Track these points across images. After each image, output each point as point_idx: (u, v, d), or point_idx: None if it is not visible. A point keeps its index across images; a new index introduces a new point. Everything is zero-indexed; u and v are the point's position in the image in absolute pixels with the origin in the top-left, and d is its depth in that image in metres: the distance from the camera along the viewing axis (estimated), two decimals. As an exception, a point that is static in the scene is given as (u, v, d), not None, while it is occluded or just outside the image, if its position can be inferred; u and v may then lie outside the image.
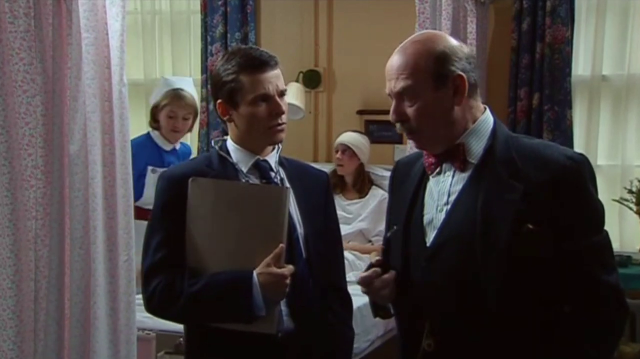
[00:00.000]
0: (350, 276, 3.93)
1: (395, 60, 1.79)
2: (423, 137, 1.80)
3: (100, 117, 2.64)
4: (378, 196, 4.34)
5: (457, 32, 3.82)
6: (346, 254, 4.08)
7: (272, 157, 2.12)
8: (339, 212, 4.37)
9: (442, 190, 1.81)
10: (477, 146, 1.78)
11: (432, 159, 1.84)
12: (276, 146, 2.13)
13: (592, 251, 1.71)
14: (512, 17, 4.29)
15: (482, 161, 1.77)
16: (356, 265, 4.01)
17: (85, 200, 2.57)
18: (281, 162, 2.15)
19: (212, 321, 1.98)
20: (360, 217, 4.32)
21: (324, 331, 2.09)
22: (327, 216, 2.18)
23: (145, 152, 3.80)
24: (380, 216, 4.22)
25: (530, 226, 1.67)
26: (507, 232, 1.67)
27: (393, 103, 1.78)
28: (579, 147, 4.21)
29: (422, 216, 1.84)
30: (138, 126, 5.10)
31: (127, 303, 2.71)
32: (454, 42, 1.81)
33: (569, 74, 4.18)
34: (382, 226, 4.12)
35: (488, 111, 1.84)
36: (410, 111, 1.76)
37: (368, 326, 3.48)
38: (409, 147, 4.09)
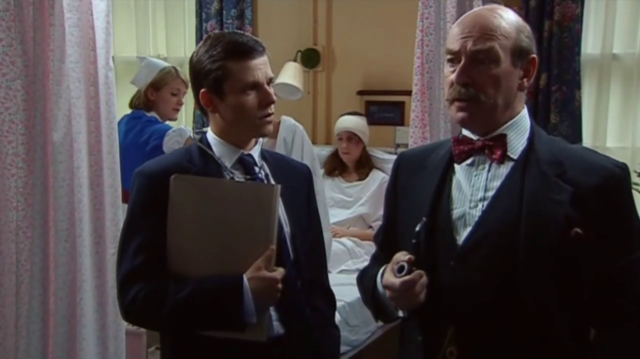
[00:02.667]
0: (350, 264, 3.86)
1: (477, 18, 1.64)
2: (480, 109, 1.65)
3: (86, 102, 2.53)
4: (379, 179, 4.24)
5: (464, 9, 3.65)
6: (345, 240, 4.00)
7: (255, 151, 2.00)
8: (338, 196, 4.36)
9: (477, 185, 1.68)
10: (517, 141, 1.67)
11: (464, 147, 1.70)
12: (259, 140, 2.01)
13: (634, 268, 1.62)
14: (520, -7, 4.15)
15: (523, 157, 1.65)
16: (355, 253, 3.91)
17: (70, 190, 2.47)
18: (264, 156, 2.04)
19: (200, 329, 1.86)
20: (361, 201, 4.22)
21: (312, 334, 2.00)
22: (310, 211, 2.09)
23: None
24: (381, 200, 4.10)
25: (579, 231, 1.56)
26: (556, 233, 1.56)
27: (462, 62, 1.62)
28: (587, 129, 4.11)
29: (449, 210, 1.69)
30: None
31: (115, 297, 2.58)
32: (520, 18, 1.69)
33: (578, 52, 4.06)
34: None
35: (526, 109, 1.73)
36: (482, 76, 1.62)
37: (367, 318, 3.34)
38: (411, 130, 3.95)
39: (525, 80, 1.66)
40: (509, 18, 1.64)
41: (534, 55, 1.66)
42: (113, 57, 4.87)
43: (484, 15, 1.64)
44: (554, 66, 4.06)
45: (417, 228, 1.68)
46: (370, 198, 4.20)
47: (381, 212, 4.05)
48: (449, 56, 1.66)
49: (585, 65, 4.13)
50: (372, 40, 4.58)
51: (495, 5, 1.69)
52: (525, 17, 4.09)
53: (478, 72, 1.61)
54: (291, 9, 4.80)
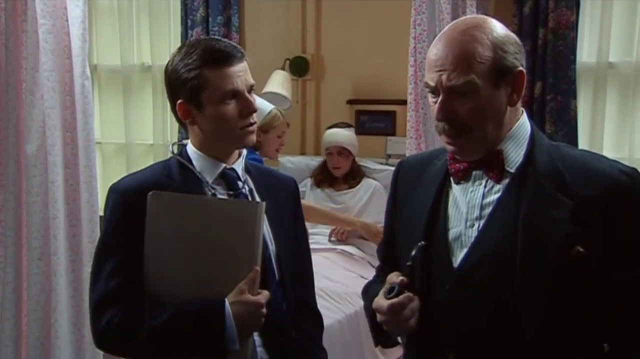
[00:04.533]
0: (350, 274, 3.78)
1: (448, 48, 1.52)
2: (470, 141, 1.55)
3: (61, 113, 2.45)
4: (371, 187, 4.14)
5: (457, 16, 3.61)
6: (346, 248, 3.93)
7: (238, 165, 1.90)
8: (328, 204, 4.25)
9: (473, 202, 1.58)
10: (515, 153, 1.56)
11: (460, 165, 1.60)
12: (243, 152, 1.92)
13: None
14: (514, 1, 4.05)
15: (521, 171, 1.55)
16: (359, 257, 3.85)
17: (44, 206, 2.39)
18: (247, 169, 1.93)
19: (178, 357, 1.75)
20: (355, 212, 4.11)
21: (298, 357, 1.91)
22: (297, 227, 1.99)
23: None
24: (376, 208, 4.02)
25: (581, 249, 1.45)
26: (555, 253, 1.47)
27: (441, 98, 1.53)
28: (583, 139, 4.00)
29: (446, 230, 1.60)
30: (116, 117, 4.88)
31: (93, 319, 2.48)
32: (506, 29, 1.57)
33: (574, 61, 3.95)
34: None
35: (525, 114, 1.62)
36: (463, 109, 1.51)
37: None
38: (407, 141, 3.85)
39: (515, 95, 1.55)
40: (485, 37, 1.52)
41: (521, 69, 1.54)
42: (96, 66, 4.85)
43: (457, 42, 1.52)
44: (549, 75, 3.95)
45: (414, 252, 1.60)
46: (365, 208, 4.10)
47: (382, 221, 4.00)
48: (427, 89, 1.57)
49: (580, 74, 4.03)
50: (362, 48, 4.49)
51: (472, 22, 1.57)
52: (519, 24, 4.02)
53: (459, 105, 1.52)
54: (279, 16, 4.70)
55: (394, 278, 1.59)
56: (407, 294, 1.56)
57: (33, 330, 2.36)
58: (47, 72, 2.38)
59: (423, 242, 1.60)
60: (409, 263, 1.59)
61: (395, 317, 1.56)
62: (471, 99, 1.51)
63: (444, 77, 1.51)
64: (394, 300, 1.55)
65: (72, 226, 2.46)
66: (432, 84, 1.54)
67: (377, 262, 3.80)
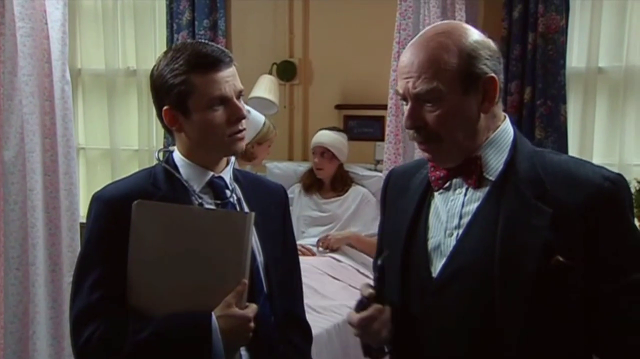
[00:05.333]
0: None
1: (414, 55, 1.51)
2: (441, 149, 1.54)
3: (40, 119, 2.39)
4: (359, 195, 4.09)
5: (445, 20, 3.54)
6: (334, 255, 3.88)
7: (226, 173, 1.85)
8: (315, 213, 4.19)
9: (452, 210, 1.56)
10: (495, 160, 1.54)
11: (440, 173, 1.58)
12: (231, 159, 1.86)
13: (631, 291, 1.46)
14: (503, 5, 4.02)
15: (501, 178, 1.52)
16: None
17: (22, 214, 2.32)
18: (236, 177, 1.88)
19: None
20: (342, 221, 4.06)
21: None
22: (286, 237, 1.94)
23: None
24: (366, 216, 3.97)
25: (560, 259, 1.42)
26: (533, 264, 1.44)
27: (409, 106, 1.52)
28: (573, 145, 3.97)
29: (425, 240, 1.58)
30: (100, 122, 4.81)
31: (73, 331, 2.40)
32: (481, 35, 1.54)
33: (563, 66, 3.91)
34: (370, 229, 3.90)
35: (508, 120, 1.59)
36: (430, 116, 1.50)
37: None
38: (385, 146, 3.81)
39: (486, 102, 1.52)
40: (452, 43, 1.49)
41: (492, 75, 1.51)
42: (80, 70, 4.77)
43: (422, 49, 1.50)
44: (538, 80, 3.91)
45: (379, 262, 1.60)
46: (353, 217, 4.05)
47: (372, 230, 3.94)
48: (398, 96, 1.56)
49: (570, 79, 4.00)
50: (350, 52, 4.44)
51: (441, 28, 1.55)
52: (509, 29, 4.00)
53: (426, 113, 1.51)
54: (266, 20, 4.65)
55: (364, 290, 1.59)
56: (376, 307, 1.56)
57: (10, 343, 2.29)
58: (26, 77, 2.32)
59: (387, 252, 1.60)
60: (376, 274, 1.60)
61: (366, 330, 1.56)
62: (438, 107, 1.49)
63: (409, 84, 1.50)
64: (363, 314, 1.55)
65: (52, 235, 2.39)
66: (400, 91, 1.54)
67: (365, 270, 3.78)
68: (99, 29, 4.78)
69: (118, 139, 4.73)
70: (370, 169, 4.28)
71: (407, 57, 1.52)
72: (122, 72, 4.75)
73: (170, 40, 4.62)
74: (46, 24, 2.35)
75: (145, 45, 4.76)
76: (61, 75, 2.42)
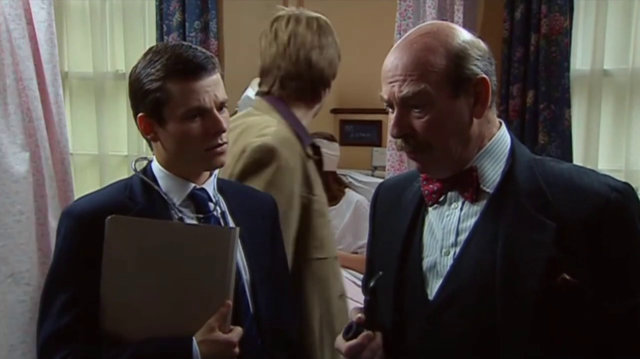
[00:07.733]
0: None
1: (397, 58, 1.42)
2: (432, 158, 1.43)
3: (36, 123, 2.22)
4: (353, 202, 3.96)
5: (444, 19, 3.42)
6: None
7: (209, 185, 1.72)
8: None
9: (448, 227, 1.45)
10: (492, 171, 1.43)
11: (433, 186, 1.46)
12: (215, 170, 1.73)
13: None
14: (504, 5, 3.90)
15: (499, 190, 1.41)
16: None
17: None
18: (220, 188, 1.75)
19: None
20: (338, 232, 3.89)
21: None
22: (275, 251, 1.82)
23: None
24: (358, 226, 3.82)
25: (567, 277, 1.31)
26: (537, 283, 1.33)
27: (395, 112, 1.42)
28: (578, 150, 3.85)
29: (420, 259, 1.48)
30: (89, 127, 4.66)
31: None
32: (470, 35, 1.44)
33: (567, 68, 3.80)
34: (363, 240, 3.76)
35: (504, 127, 1.49)
36: (419, 123, 1.40)
37: None
38: (388, 152, 3.69)
39: (479, 105, 1.42)
40: (438, 44, 1.40)
41: (483, 76, 1.41)
42: (67, 73, 4.62)
43: (407, 51, 1.41)
44: (541, 83, 3.80)
45: (372, 284, 1.49)
46: (348, 228, 3.91)
47: (361, 241, 3.81)
48: (384, 102, 1.44)
49: (574, 82, 3.88)
50: (346, 55, 4.28)
51: (426, 29, 1.46)
52: (510, 30, 3.89)
53: (414, 119, 1.40)
54: (259, 21, 4.48)
55: (353, 314, 1.50)
56: (365, 333, 1.47)
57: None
58: (27, 81, 2.17)
59: (381, 273, 1.49)
60: (366, 298, 1.50)
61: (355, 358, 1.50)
62: (426, 112, 1.39)
63: (395, 88, 1.41)
64: (352, 342, 1.48)
65: (46, 242, 2.25)
66: (385, 97, 1.44)
67: (356, 280, 3.63)
68: (87, 30, 4.63)
69: (107, 144, 4.57)
70: (367, 175, 4.16)
71: (391, 60, 1.43)
72: (111, 76, 4.59)
73: (160, 42, 4.49)
74: (32, 25, 2.21)
75: (135, 48, 4.61)
76: (53, 78, 2.28)
